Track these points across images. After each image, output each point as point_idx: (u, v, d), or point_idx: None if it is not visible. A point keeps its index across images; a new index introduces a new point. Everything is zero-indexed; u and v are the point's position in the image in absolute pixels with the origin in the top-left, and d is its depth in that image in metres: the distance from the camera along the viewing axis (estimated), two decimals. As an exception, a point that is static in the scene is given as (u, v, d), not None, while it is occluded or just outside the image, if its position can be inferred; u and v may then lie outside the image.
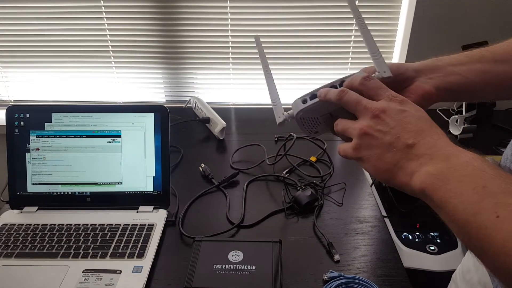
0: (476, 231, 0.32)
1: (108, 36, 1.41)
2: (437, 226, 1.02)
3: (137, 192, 0.78)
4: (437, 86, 0.48)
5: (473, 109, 1.21)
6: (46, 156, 0.77)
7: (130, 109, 0.77)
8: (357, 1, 1.34)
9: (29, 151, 0.77)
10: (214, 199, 0.84)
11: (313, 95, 0.48)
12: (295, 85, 1.45)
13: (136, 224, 0.73)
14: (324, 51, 1.40)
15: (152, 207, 0.77)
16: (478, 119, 1.22)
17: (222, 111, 1.14)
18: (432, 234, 1.00)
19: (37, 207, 0.77)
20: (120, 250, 0.68)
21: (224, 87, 1.49)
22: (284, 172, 0.91)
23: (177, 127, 1.11)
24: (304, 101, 0.48)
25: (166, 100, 1.53)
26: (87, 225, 0.73)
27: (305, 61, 1.41)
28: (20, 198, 0.78)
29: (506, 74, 0.49)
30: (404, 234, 0.99)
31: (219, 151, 1.03)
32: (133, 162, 0.77)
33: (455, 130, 1.21)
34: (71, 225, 0.73)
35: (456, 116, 1.22)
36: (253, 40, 0.52)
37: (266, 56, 0.52)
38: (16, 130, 0.77)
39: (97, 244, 0.69)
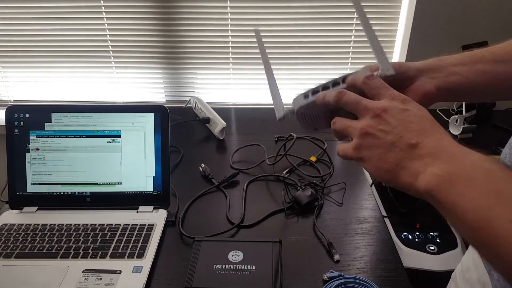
0: (489, 237, 0.31)
1: (108, 36, 1.41)
2: (437, 226, 1.02)
3: (137, 192, 0.78)
4: (438, 86, 0.48)
5: (473, 109, 1.22)
6: (46, 156, 0.77)
7: (130, 109, 0.77)
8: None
9: (28, 151, 0.77)
10: (214, 199, 0.84)
11: (314, 91, 0.47)
12: (295, 85, 1.45)
13: (136, 224, 0.73)
14: (324, 51, 1.40)
15: (152, 207, 0.77)
16: (478, 119, 1.22)
17: (222, 111, 1.14)
18: (432, 234, 1.00)
19: (36, 207, 0.77)
20: (120, 250, 0.67)
21: (224, 87, 1.49)
22: (284, 172, 0.91)
23: (177, 127, 1.11)
24: (306, 97, 0.48)
25: (166, 100, 1.53)
26: (87, 225, 0.73)
27: (305, 61, 1.41)
28: (19, 198, 0.78)
29: (506, 74, 0.49)
30: (404, 234, 0.99)
31: (219, 151, 1.03)
32: (133, 162, 0.77)
33: (455, 130, 1.21)
34: (71, 225, 0.73)
35: (456, 116, 1.22)
36: (253, 40, 0.52)
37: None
38: (16, 130, 0.77)
39: (97, 244, 0.69)
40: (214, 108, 1.14)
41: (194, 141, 1.08)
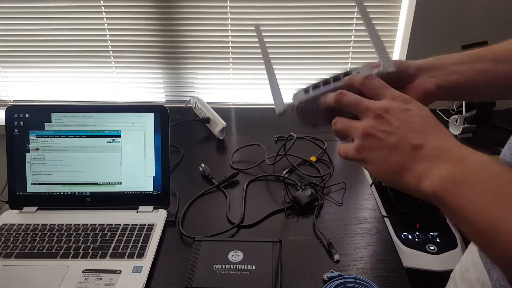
0: (496, 239, 0.31)
1: (108, 36, 1.41)
2: (437, 226, 1.02)
3: (137, 192, 0.78)
4: (438, 85, 0.48)
5: (472, 109, 1.22)
6: (45, 156, 0.77)
7: (130, 109, 0.77)
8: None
9: (28, 151, 0.77)
10: (214, 199, 0.84)
11: (315, 86, 0.47)
12: (295, 84, 1.45)
13: (136, 224, 0.73)
14: (324, 51, 1.40)
15: (152, 207, 0.77)
16: (477, 119, 1.22)
17: (222, 111, 1.14)
18: (432, 234, 1.00)
19: (36, 207, 0.77)
20: (120, 250, 0.67)
21: (224, 87, 1.49)
22: (284, 172, 0.91)
23: (177, 127, 1.11)
24: (306, 92, 0.47)
25: (166, 100, 1.53)
26: (86, 225, 0.73)
27: (305, 60, 1.41)
28: (19, 198, 0.78)
29: (506, 73, 0.49)
30: (404, 234, 0.99)
31: (219, 151, 1.03)
32: (133, 162, 0.77)
33: (455, 130, 1.21)
34: (70, 225, 0.73)
35: (456, 116, 1.22)
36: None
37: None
38: (16, 130, 0.76)
39: (97, 244, 0.69)
40: (214, 108, 1.14)
41: (194, 141, 1.08)
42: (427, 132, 0.37)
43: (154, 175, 0.77)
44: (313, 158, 0.96)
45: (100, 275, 0.63)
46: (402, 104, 0.39)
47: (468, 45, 1.07)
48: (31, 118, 0.77)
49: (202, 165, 0.91)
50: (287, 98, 0.50)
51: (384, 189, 1.08)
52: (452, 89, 0.49)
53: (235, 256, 0.64)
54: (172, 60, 1.44)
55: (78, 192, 0.78)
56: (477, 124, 1.21)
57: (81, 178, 0.77)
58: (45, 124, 0.77)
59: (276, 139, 1.04)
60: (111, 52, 1.43)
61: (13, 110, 0.76)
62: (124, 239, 0.70)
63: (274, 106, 0.50)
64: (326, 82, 0.47)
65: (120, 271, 0.63)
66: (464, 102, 1.23)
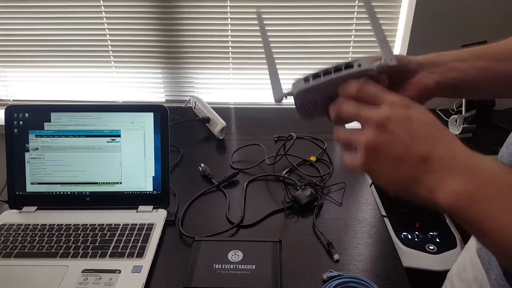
0: None
1: (107, 35, 1.41)
2: (437, 225, 1.02)
3: (136, 192, 0.78)
4: (437, 81, 0.48)
5: (472, 109, 1.22)
6: (45, 156, 0.77)
7: (130, 108, 0.77)
8: (357, 0, 1.34)
9: (28, 151, 0.77)
10: (213, 199, 0.84)
11: (315, 75, 0.46)
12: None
13: (136, 224, 0.73)
14: (324, 51, 1.40)
15: (151, 207, 0.77)
16: (477, 118, 1.22)
17: (222, 110, 1.14)
18: (431, 233, 1.00)
19: (36, 207, 0.77)
20: (119, 250, 0.67)
21: (224, 86, 1.49)
22: (284, 172, 0.91)
23: (177, 127, 1.11)
24: (306, 81, 0.46)
25: (165, 100, 1.53)
26: (86, 225, 0.73)
27: (305, 60, 1.41)
28: (19, 198, 0.77)
29: (506, 72, 0.49)
30: (404, 233, 0.99)
31: (219, 151, 1.03)
32: (133, 162, 0.77)
33: (455, 130, 1.21)
34: (70, 225, 0.73)
35: (456, 115, 1.22)
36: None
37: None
38: (15, 130, 0.76)
39: (97, 244, 0.69)
40: (214, 108, 1.14)
41: (193, 141, 1.07)
42: (432, 139, 0.36)
43: (153, 175, 0.77)
44: (313, 158, 0.96)
45: (100, 275, 0.63)
46: (403, 111, 0.37)
47: (467, 45, 1.07)
48: (30, 117, 0.76)
49: (202, 165, 0.91)
50: (287, 87, 0.49)
51: (384, 189, 1.08)
52: (452, 86, 0.49)
53: (235, 256, 0.64)
54: (172, 59, 1.44)
55: (78, 192, 0.78)
56: (477, 124, 1.21)
57: (80, 178, 0.77)
58: (45, 123, 0.77)
59: (276, 139, 1.04)
60: (110, 51, 1.43)
61: (13, 110, 0.76)
62: (123, 239, 0.70)
63: (271, 87, 0.48)
64: (326, 72, 0.46)
65: (120, 271, 0.63)
66: (464, 102, 1.23)
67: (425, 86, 0.48)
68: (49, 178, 0.77)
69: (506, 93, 0.53)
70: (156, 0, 1.34)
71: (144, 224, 0.73)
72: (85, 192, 0.78)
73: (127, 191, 0.78)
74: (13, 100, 1.54)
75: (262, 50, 0.51)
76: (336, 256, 0.67)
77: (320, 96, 0.48)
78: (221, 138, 1.07)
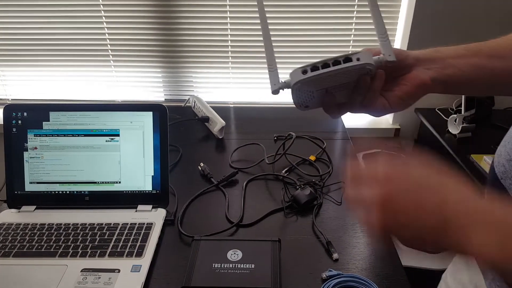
0: None
1: (107, 35, 1.41)
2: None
3: (135, 191, 0.78)
4: (433, 78, 0.48)
5: (472, 109, 1.22)
6: (44, 155, 0.77)
7: (129, 108, 0.77)
8: (357, 0, 1.34)
9: (27, 150, 0.77)
10: (213, 198, 0.84)
11: (314, 66, 0.46)
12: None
13: (135, 223, 0.73)
14: (324, 51, 1.40)
15: (150, 206, 0.77)
16: (476, 118, 1.22)
17: (221, 110, 1.13)
18: (431, 233, 1.00)
19: (35, 206, 0.77)
20: (118, 249, 0.67)
21: (223, 86, 1.49)
22: (283, 171, 0.91)
23: (176, 126, 1.11)
24: (304, 72, 0.46)
25: (165, 99, 1.52)
26: (85, 224, 0.73)
27: (305, 60, 1.41)
28: (18, 197, 0.77)
29: (501, 69, 0.49)
30: (403, 233, 0.99)
31: (218, 150, 1.03)
32: (132, 161, 0.77)
33: (454, 129, 1.21)
34: (69, 224, 0.73)
35: (455, 115, 1.22)
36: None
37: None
38: (14, 129, 0.76)
39: (96, 243, 0.69)
40: (213, 107, 1.14)
41: (193, 140, 1.07)
42: (443, 205, 0.35)
43: (153, 174, 0.77)
44: (312, 157, 0.96)
45: (99, 274, 0.62)
46: (402, 183, 0.38)
47: (467, 44, 1.07)
48: (29, 117, 0.76)
49: (201, 164, 0.91)
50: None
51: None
52: (448, 83, 0.49)
53: (234, 255, 0.64)
54: (171, 59, 1.44)
55: (77, 191, 0.78)
56: (476, 124, 1.21)
57: (79, 177, 0.77)
58: (43, 123, 0.76)
59: (275, 138, 1.04)
60: (109, 51, 1.43)
61: (11, 109, 0.76)
62: (122, 238, 0.69)
63: (268, 78, 0.48)
64: (325, 64, 0.45)
65: (119, 270, 0.63)
66: (463, 102, 1.23)
67: (421, 82, 0.48)
68: (48, 178, 0.77)
69: (502, 90, 0.53)
70: (156, 0, 1.33)
71: (143, 224, 0.73)
72: (84, 191, 0.78)
73: (126, 191, 0.78)
74: (12, 99, 1.54)
75: (262, 50, 0.51)
76: (335, 255, 0.67)
77: (317, 88, 0.48)
78: (220, 137, 1.06)
